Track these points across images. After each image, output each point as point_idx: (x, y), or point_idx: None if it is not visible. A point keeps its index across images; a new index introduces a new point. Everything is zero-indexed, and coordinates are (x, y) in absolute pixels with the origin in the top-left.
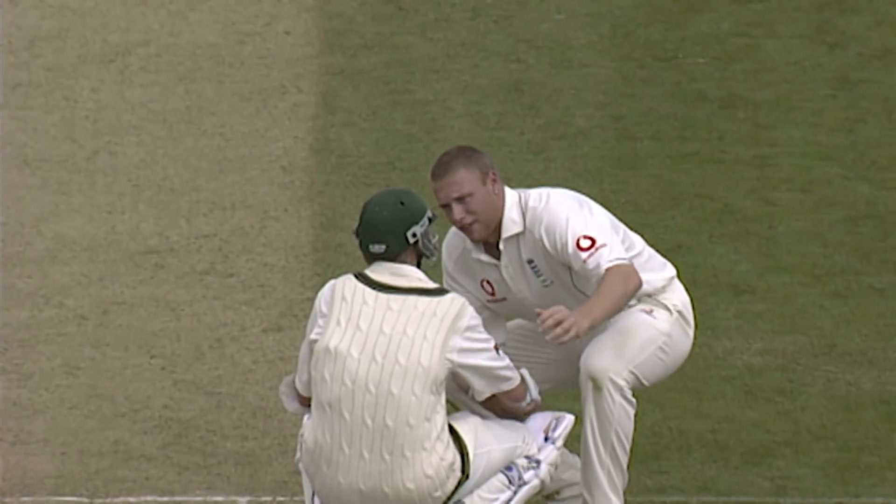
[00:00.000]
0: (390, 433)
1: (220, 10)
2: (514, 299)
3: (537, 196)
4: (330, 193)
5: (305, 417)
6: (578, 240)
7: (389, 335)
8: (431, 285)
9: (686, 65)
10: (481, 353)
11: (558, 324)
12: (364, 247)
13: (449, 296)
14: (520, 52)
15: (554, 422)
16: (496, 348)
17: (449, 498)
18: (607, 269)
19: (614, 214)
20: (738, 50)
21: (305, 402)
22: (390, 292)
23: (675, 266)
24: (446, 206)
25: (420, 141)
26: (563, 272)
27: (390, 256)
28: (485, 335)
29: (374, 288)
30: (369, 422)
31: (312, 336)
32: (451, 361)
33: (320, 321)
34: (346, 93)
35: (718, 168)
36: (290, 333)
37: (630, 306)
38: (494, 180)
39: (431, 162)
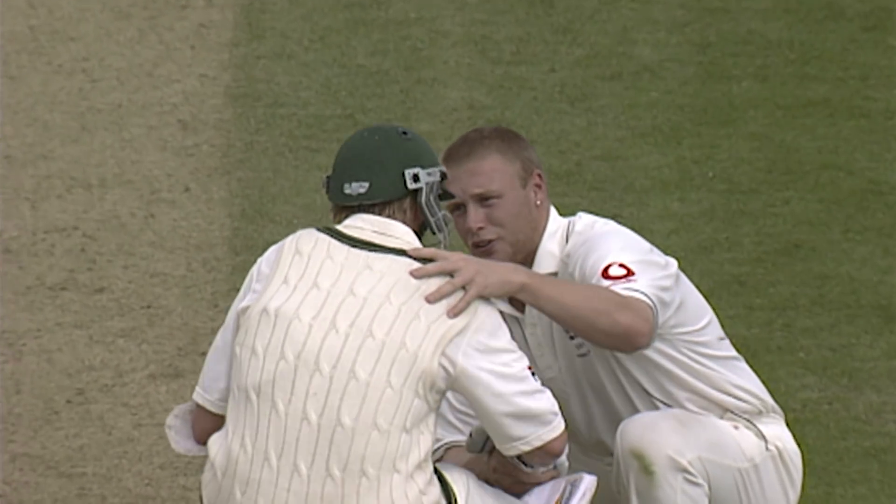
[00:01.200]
0: (345, 436)
1: None
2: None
3: (591, 223)
4: (254, 163)
5: (213, 437)
6: (610, 266)
7: (364, 298)
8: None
9: None
10: (503, 354)
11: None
12: (335, 191)
13: None
14: None
15: (569, 488)
16: (530, 368)
17: None
18: (618, 292)
19: (697, 195)
20: None
21: (207, 434)
22: (371, 249)
23: (791, 274)
24: (457, 208)
25: (395, 82)
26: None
27: (373, 204)
28: (508, 337)
29: (344, 241)
30: (313, 416)
31: (241, 306)
32: (451, 362)
33: (256, 286)
34: (280, 7)
35: (860, 125)
36: (193, 381)
37: (703, 413)
38: (539, 186)
39: (415, 118)
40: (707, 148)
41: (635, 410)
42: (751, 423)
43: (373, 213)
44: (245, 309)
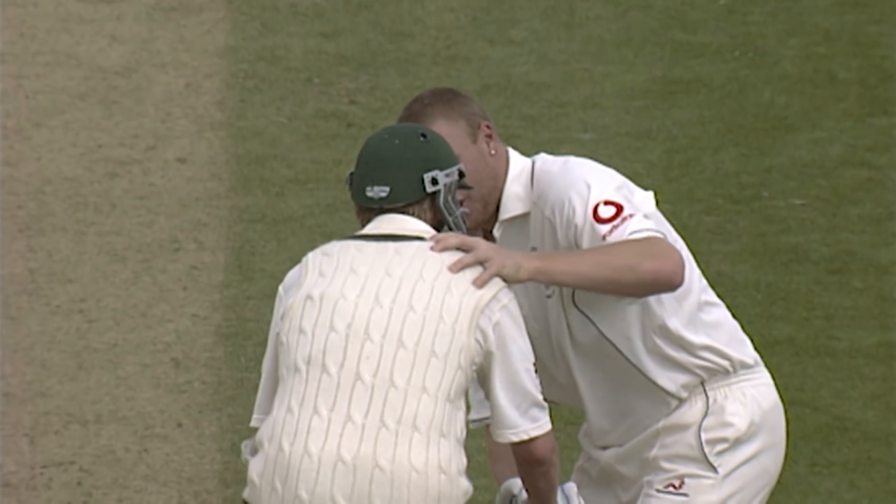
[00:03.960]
0: (398, 396)
1: None
2: None
3: (552, 161)
4: (244, 400)
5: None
6: (597, 206)
7: (399, 278)
8: None
9: (774, 209)
10: (517, 341)
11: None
12: (358, 192)
13: None
14: None
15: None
16: (533, 364)
17: None
18: (630, 239)
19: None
20: (852, 187)
21: None
22: (395, 240)
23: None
24: None
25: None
26: None
27: (394, 206)
28: (521, 328)
29: (368, 238)
30: (367, 376)
31: (277, 324)
32: (483, 333)
33: (292, 291)
34: (269, 250)
35: (825, 364)
36: None
37: (649, 477)
38: (490, 136)
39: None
40: None
41: (597, 357)
42: (706, 444)
43: (391, 212)
44: (282, 313)
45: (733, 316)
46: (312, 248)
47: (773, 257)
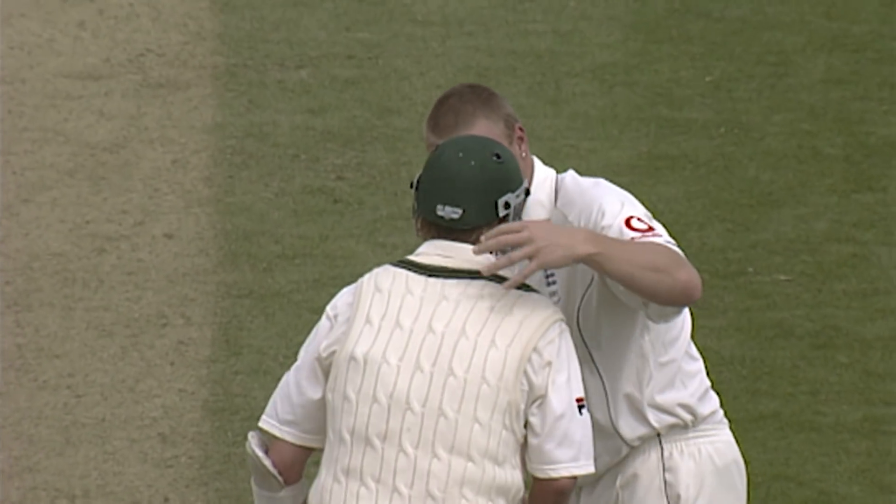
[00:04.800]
0: (442, 466)
1: None
2: None
3: (583, 178)
4: (231, 475)
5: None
6: (630, 218)
7: (441, 334)
8: (508, 274)
9: (759, 284)
10: (564, 384)
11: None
12: (427, 208)
13: (535, 295)
14: None
15: None
16: (580, 402)
17: None
18: (666, 244)
19: None
20: (837, 262)
21: (284, 459)
22: (445, 276)
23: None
24: None
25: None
26: (577, 288)
27: (463, 230)
28: (572, 360)
29: (421, 272)
30: (409, 448)
31: (322, 348)
32: (531, 382)
33: (340, 329)
34: (256, 325)
35: (810, 439)
36: None
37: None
38: (521, 138)
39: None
40: None
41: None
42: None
43: (454, 237)
44: (328, 355)
45: (717, 392)
46: (300, 323)
47: (758, 332)
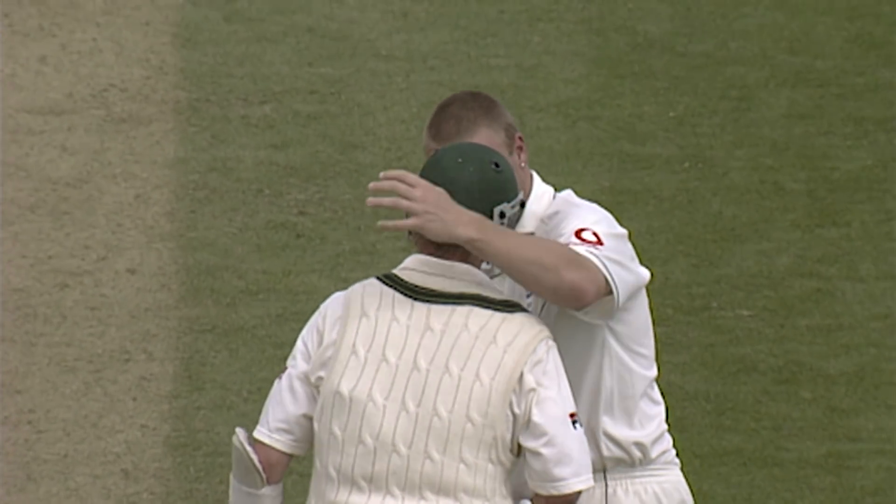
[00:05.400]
0: None
1: None
2: None
3: (572, 195)
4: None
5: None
6: (582, 230)
7: (426, 371)
8: (494, 294)
9: (723, 319)
10: (554, 403)
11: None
12: None
13: (519, 315)
14: None
15: None
16: (573, 416)
17: None
18: (570, 246)
19: None
20: (800, 298)
21: (270, 459)
22: (432, 300)
23: None
24: None
25: None
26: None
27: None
28: (561, 377)
29: (408, 294)
30: (397, 491)
31: (310, 370)
32: (518, 412)
33: (327, 353)
34: (220, 361)
35: (773, 474)
36: None
37: None
38: (521, 148)
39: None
40: None
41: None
42: None
43: (448, 244)
44: (316, 380)
45: (681, 428)
46: (263, 359)
47: (721, 368)
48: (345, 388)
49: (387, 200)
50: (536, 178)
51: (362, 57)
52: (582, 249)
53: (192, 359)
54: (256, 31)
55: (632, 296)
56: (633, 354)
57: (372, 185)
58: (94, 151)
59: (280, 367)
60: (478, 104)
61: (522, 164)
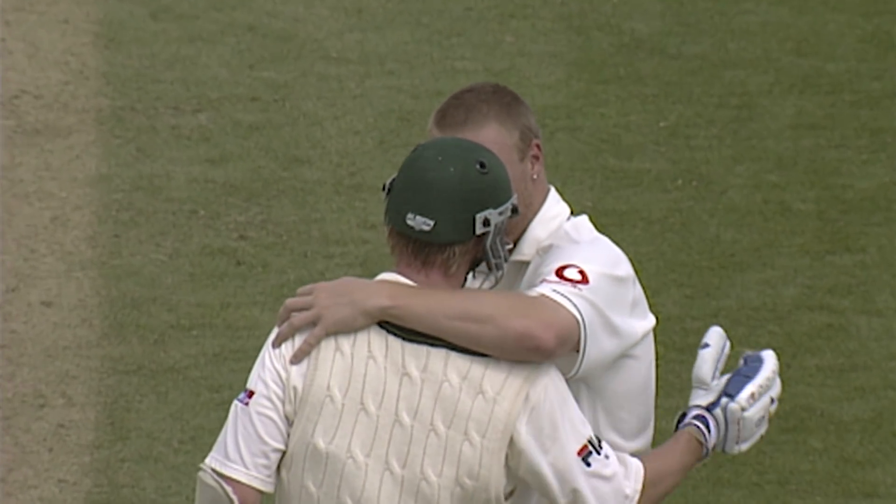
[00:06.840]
0: None
1: None
2: None
3: (582, 226)
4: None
5: None
6: (566, 267)
7: (410, 427)
8: None
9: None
10: (560, 444)
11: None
12: (397, 216)
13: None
14: None
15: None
16: (596, 443)
17: None
18: (540, 296)
19: None
20: (809, 334)
21: (246, 499)
22: (405, 337)
23: None
24: None
25: None
26: None
27: (433, 247)
28: (563, 417)
29: (382, 325)
30: None
31: (283, 399)
32: (515, 471)
33: (297, 389)
34: (147, 405)
35: None
36: None
37: None
38: (537, 157)
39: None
40: None
41: None
42: None
43: (428, 255)
44: (286, 411)
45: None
46: (197, 404)
47: None
48: (321, 441)
49: (283, 328)
50: (552, 196)
51: (310, 59)
52: (549, 289)
53: (115, 403)
54: (189, 31)
55: (613, 355)
56: (612, 419)
57: (276, 341)
58: (3, 167)
59: (216, 414)
60: (497, 98)
61: (535, 176)
